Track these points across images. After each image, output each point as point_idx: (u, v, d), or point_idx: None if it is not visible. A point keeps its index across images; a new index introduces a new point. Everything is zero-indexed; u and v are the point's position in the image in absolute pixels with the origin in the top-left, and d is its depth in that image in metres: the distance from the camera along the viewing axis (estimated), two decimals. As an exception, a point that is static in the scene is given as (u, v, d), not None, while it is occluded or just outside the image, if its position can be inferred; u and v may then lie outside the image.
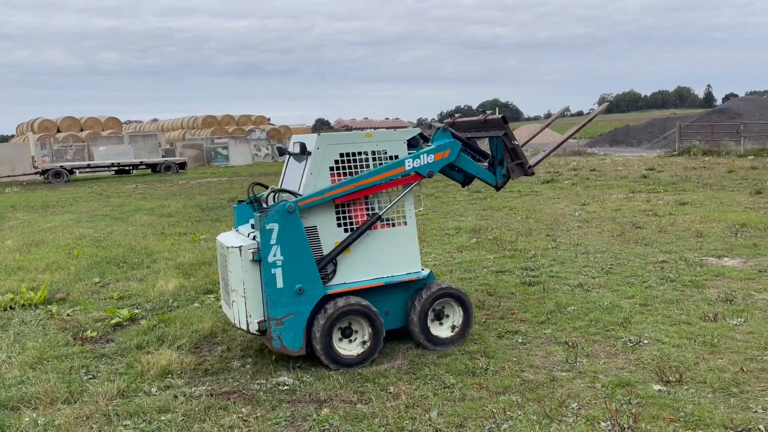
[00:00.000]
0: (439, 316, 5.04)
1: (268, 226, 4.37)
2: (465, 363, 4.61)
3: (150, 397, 4.26)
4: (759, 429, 3.45)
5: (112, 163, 33.12)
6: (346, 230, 4.74)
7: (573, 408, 3.83)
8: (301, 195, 4.59)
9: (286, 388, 4.33)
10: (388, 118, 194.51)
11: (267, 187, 5.11)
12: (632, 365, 4.47)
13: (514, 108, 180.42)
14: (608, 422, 3.59)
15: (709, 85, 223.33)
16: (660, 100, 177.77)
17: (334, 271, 4.71)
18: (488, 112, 5.57)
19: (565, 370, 4.44)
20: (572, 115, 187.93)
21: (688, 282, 6.59)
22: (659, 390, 4.01)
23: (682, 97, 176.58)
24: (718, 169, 19.33)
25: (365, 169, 4.77)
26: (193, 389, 4.36)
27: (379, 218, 4.78)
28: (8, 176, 31.44)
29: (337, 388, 4.27)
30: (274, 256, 4.40)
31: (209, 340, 5.46)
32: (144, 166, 33.83)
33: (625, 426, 3.53)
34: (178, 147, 41.93)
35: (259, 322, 4.52)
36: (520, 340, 5.11)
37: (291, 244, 4.43)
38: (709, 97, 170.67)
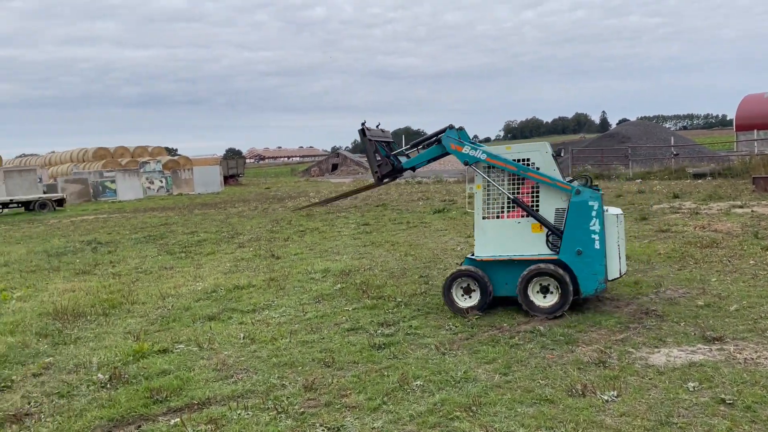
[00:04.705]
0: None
1: None
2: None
3: None
4: None
5: (-23, 203, 29.63)
6: None
7: None
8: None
9: None
10: (302, 147, 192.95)
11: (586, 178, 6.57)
12: (469, 481, 3.31)
13: (425, 135, 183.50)
14: None
15: (604, 112, 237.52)
16: (560, 126, 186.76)
17: None
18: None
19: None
20: (480, 142, 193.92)
21: (559, 336, 5.61)
22: None
23: (580, 123, 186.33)
24: (608, 194, 19.24)
25: None
26: None
27: None
28: None
29: None
30: None
31: None
32: (16, 205, 30.51)
33: None
34: (60, 182, 38.50)
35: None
36: (334, 444, 3.86)
37: None
38: (604, 123, 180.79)
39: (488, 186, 6.51)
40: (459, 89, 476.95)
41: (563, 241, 6.22)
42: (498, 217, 6.49)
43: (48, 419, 4.47)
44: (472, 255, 6.69)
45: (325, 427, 4.09)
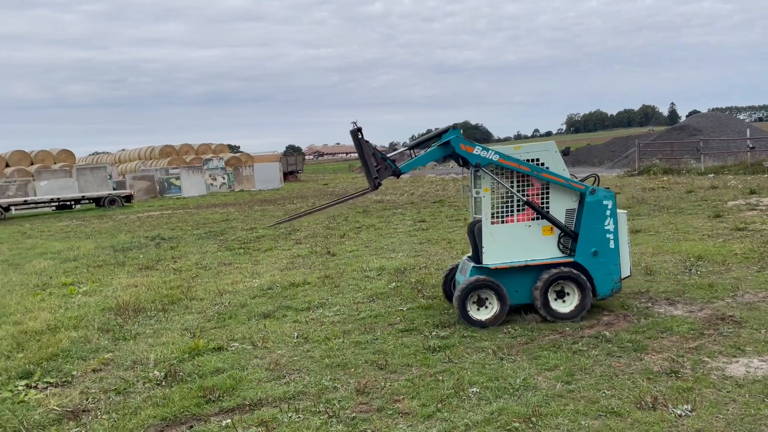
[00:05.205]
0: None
1: None
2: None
3: None
4: None
5: (52, 199, 31.15)
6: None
7: None
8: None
9: None
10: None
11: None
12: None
13: (484, 130, 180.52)
14: None
15: (673, 103, 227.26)
16: (626, 119, 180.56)
17: None
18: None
19: None
20: (541, 136, 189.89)
21: (626, 343, 5.28)
22: None
23: (647, 116, 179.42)
24: (678, 189, 18.35)
25: None
26: None
27: None
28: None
29: None
30: None
31: None
32: (88, 201, 31.94)
33: None
34: (128, 179, 40.06)
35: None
36: (386, 453, 3.71)
37: None
38: (673, 115, 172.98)
39: (497, 189, 6.14)
40: (520, 82, 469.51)
41: (579, 243, 5.98)
42: (505, 221, 6.13)
43: (104, 416, 4.53)
44: (475, 263, 6.32)
45: (377, 434, 3.95)
